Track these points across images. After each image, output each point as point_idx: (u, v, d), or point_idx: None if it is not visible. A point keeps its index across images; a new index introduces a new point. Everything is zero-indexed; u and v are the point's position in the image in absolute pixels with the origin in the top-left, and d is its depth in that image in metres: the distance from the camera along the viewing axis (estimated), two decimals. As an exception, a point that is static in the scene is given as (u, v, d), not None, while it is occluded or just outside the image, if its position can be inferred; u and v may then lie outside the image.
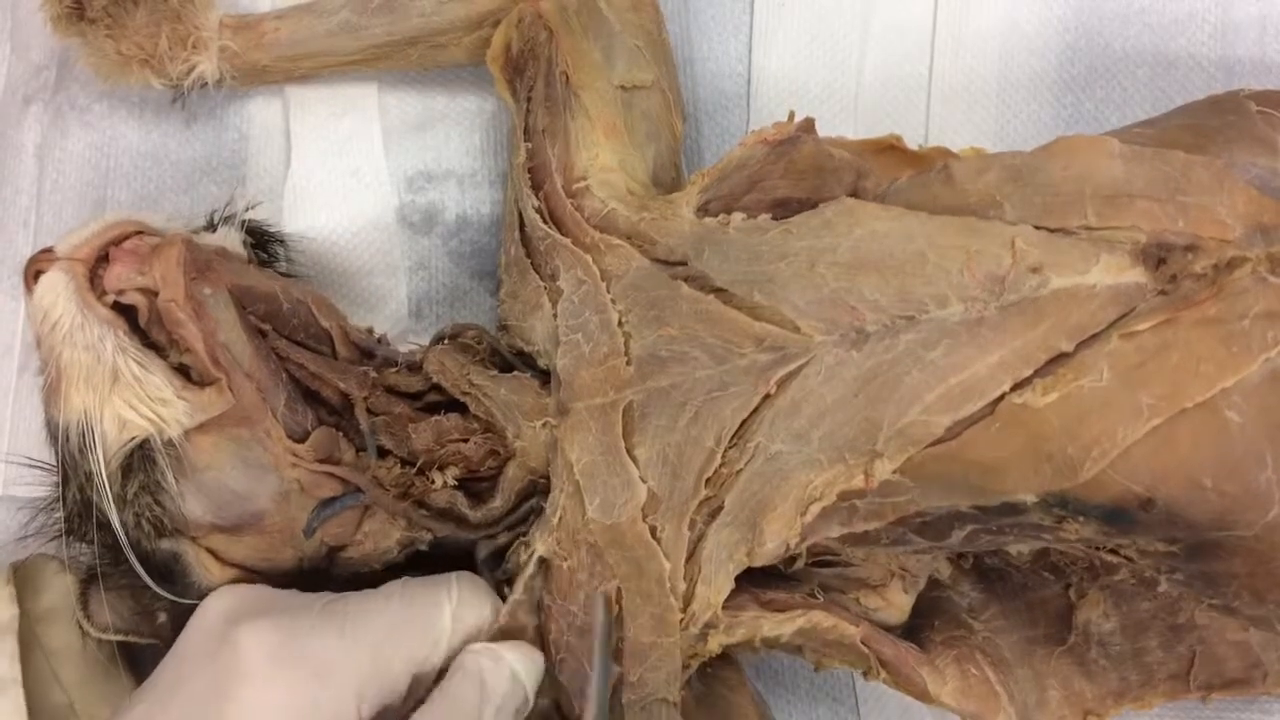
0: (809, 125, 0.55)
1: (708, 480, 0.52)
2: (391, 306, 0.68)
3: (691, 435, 0.52)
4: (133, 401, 0.51)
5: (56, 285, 0.52)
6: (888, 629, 0.57)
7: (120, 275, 0.52)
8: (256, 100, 0.69)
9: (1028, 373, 0.47)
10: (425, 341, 0.61)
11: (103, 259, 0.53)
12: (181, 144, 0.69)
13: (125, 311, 0.52)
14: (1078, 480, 0.47)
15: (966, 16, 0.68)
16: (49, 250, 0.53)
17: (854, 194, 0.54)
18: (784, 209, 0.54)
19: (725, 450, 0.51)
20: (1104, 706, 0.59)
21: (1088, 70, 0.68)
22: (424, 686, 0.51)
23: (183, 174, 0.69)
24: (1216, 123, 0.53)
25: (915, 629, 0.58)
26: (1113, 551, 0.53)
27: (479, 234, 0.69)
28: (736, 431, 0.51)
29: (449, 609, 0.51)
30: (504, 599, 0.55)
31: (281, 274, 0.61)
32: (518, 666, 0.50)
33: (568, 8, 0.59)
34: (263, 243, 0.61)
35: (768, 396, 0.50)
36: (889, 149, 0.57)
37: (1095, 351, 0.47)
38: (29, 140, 0.69)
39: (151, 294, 0.52)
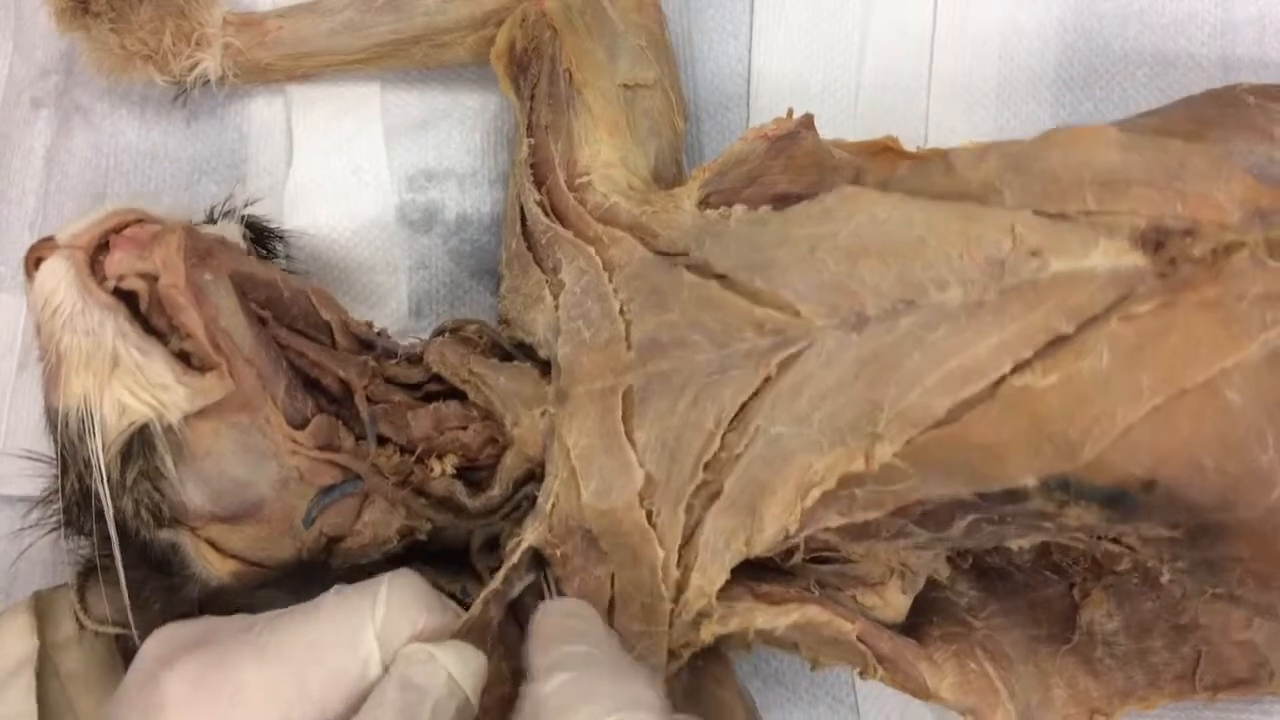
0: (808, 121, 0.55)
1: (706, 464, 0.51)
2: (392, 305, 0.68)
3: (691, 419, 0.51)
4: (133, 387, 0.51)
5: (57, 271, 0.51)
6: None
7: (121, 261, 0.52)
8: (257, 99, 0.69)
9: (1028, 354, 0.47)
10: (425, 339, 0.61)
11: (103, 246, 0.52)
12: (182, 143, 0.69)
13: (126, 298, 0.52)
14: (1078, 462, 0.47)
15: (966, 16, 0.68)
16: (50, 238, 0.53)
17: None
18: (784, 203, 0.54)
19: (725, 433, 0.51)
20: (1111, 705, 0.58)
21: (1087, 70, 0.68)
22: None
23: (183, 173, 0.69)
24: (1214, 113, 0.53)
25: (913, 626, 0.58)
26: (1114, 541, 0.53)
27: (479, 233, 0.69)
28: (736, 415, 0.51)
29: (374, 621, 0.48)
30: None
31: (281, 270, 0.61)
32: (453, 667, 0.48)
33: (572, 7, 0.60)
34: (262, 238, 0.62)
35: (768, 379, 0.50)
36: (885, 150, 0.57)
37: (1095, 333, 0.47)
38: (39, 144, 0.70)
39: (152, 280, 0.52)
